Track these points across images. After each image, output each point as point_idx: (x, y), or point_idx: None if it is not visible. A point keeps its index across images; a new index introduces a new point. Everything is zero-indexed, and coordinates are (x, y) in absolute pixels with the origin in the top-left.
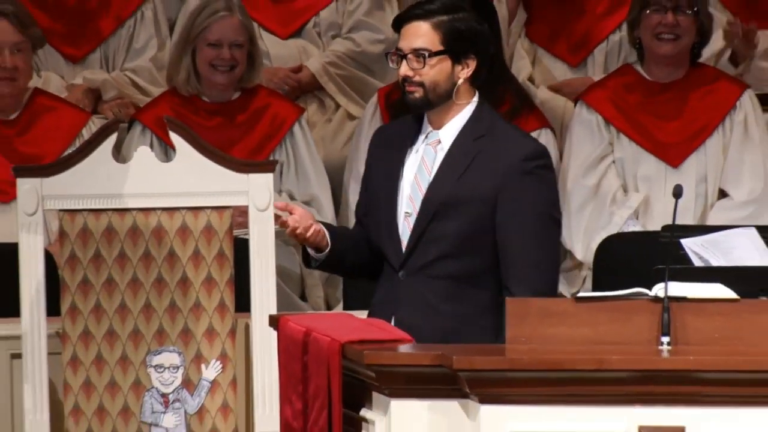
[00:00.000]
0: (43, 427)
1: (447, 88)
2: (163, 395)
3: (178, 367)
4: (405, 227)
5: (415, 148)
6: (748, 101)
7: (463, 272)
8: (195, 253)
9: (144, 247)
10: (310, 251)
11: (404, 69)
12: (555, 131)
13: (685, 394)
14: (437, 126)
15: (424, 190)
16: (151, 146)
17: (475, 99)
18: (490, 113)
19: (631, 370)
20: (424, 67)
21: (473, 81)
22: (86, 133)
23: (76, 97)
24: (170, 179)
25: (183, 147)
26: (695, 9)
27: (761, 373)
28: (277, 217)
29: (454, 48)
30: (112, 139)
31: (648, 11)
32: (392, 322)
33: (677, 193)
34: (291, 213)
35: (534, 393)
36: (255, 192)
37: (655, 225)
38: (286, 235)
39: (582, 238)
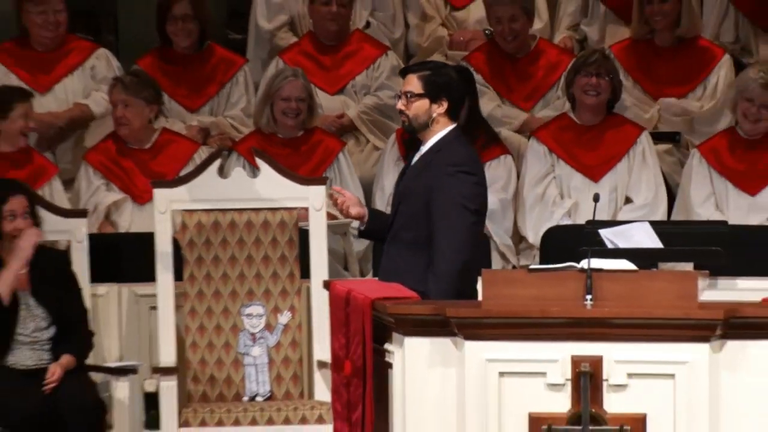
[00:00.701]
0: (171, 357)
1: (425, 119)
2: (252, 334)
3: (261, 316)
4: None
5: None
6: (644, 139)
7: (412, 240)
8: (273, 239)
9: (239, 235)
10: (355, 224)
11: (399, 104)
12: (513, 157)
13: (602, 334)
14: (423, 144)
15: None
16: (243, 167)
17: (450, 128)
18: (456, 137)
19: (565, 317)
20: (409, 104)
21: (451, 115)
22: (197, 158)
23: (192, 134)
24: (256, 189)
25: (265, 168)
26: (611, 76)
27: (652, 319)
28: (332, 196)
29: (430, 92)
30: (217, 162)
31: (579, 75)
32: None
33: (596, 199)
34: (342, 194)
35: (501, 333)
36: (312, 198)
37: (581, 220)
38: (334, 227)
39: (533, 228)
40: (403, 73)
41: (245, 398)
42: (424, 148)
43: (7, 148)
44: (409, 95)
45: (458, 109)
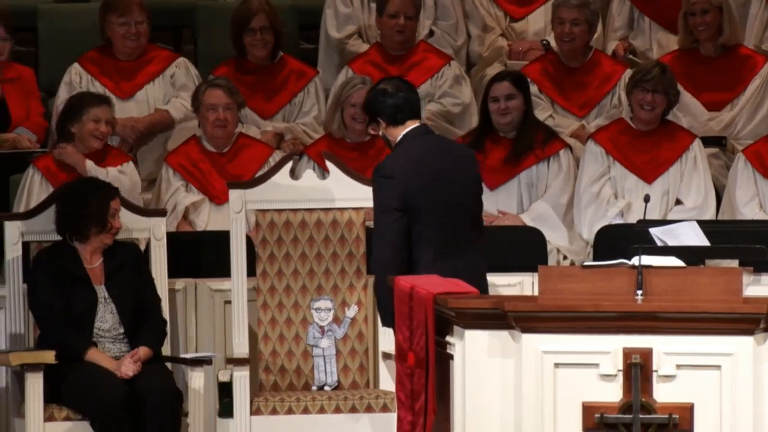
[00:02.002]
0: (244, 348)
1: (386, 139)
2: (321, 327)
3: (330, 309)
4: None
5: None
6: (696, 146)
7: None
8: (341, 237)
9: (309, 233)
10: None
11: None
12: (572, 149)
13: (652, 327)
14: None
15: None
16: (314, 170)
17: (401, 134)
18: (400, 141)
19: (617, 311)
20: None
21: (396, 123)
22: (271, 161)
23: (267, 139)
24: (326, 190)
25: (334, 170)
26: (667, 91)
27: (699, 313)
28: None
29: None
30: (289, 165)
31: (637, 89)
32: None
33: (646, 199)
34: None
35: (556, 326)
36: None
37: (633, 220)
38: None
39: (587, 226)
40: None
41: (314, 388)
42: None
43: (82, 150)
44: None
45: (397, 113)
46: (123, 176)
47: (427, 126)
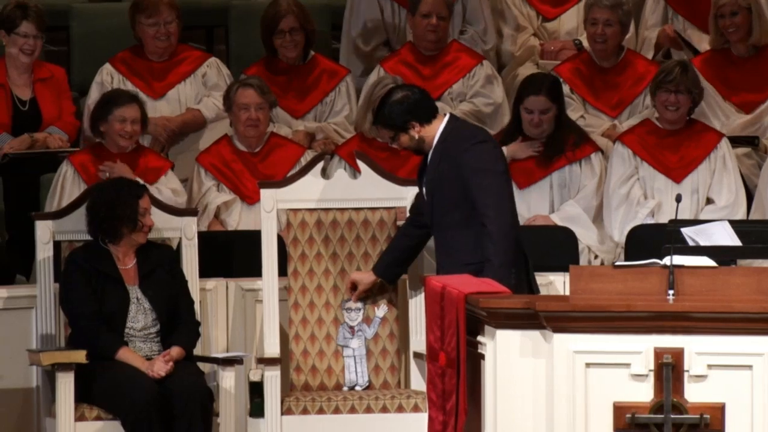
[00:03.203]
0: (275, 347)
1: (416, 143)
2: (351, 327)
3: (360, 309)
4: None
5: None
6: (724, 144)
7: (458, 221)
8: (372, 236)
9: (340, 233)
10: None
11: (395, 146)
12: (603, 153)
13: (683, 327)
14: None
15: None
16: (345, 169)
17: (442, 123)
18: (452, 125)
19: (648, 311)
20: (399, 144)
21: (429, 119)
22: (303, 161)
23: (298, 138)
24: (357, 190)
25: (366, 170)
26: (690, 90)
27: (731, 313)
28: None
29: (398, 128)
30: (320, 164)
31: (660, 90)
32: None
33: (678, 199)
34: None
35: (588, 326)
36: (410, 198)
37: (664, 220)
38: None
39: (618, 227)
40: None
41: (345, 388)
42: (432, 148)
43: (113, 149)
44: (391, 141)
45: (428, 110)
46: (172, 191)
47: (453, 113)
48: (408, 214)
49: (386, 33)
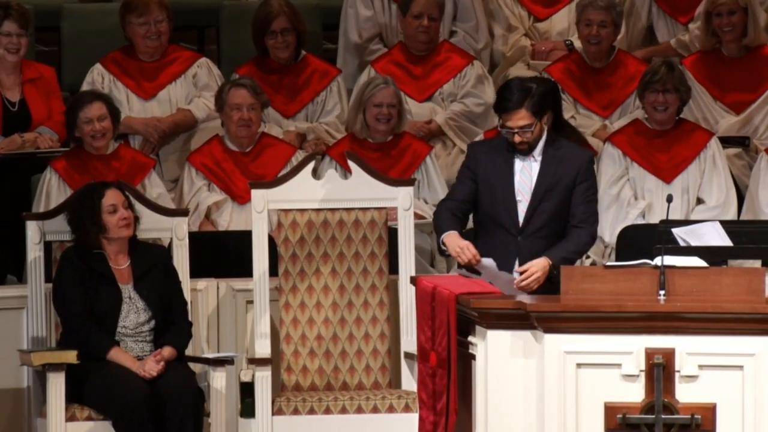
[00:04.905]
0: (266, 348)
1: (540, 136)
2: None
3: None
4: (520, 208)
5: (516, 161)
6: (714, 144)
7: (551, 233)
8: (363, 237)
9: (331, 233)
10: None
11: (516, 139)
12: (596, 153)
13: (674, 327)
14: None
15: (532, 185)
16: (336, 170)
17: (545, 133)
18: (555, 136)
19: (639, 311)
20: (528, 135)
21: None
22: (294, 161)
23: (290, 139)
24: (348, 190)
25: (357, 170)
26: (678, 89)
27: (722, 314)
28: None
29: (539, 115)
30: (311, 165)
31: (647, 91)
32: (516, 266)
33: (669, 199)
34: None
35: (579, 326)
36: (401, 198)
37: (654, 220)
38: (422, 225)
39: (609, 228)
40: (511, 108)
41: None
42: (540, 147)
43: (92, 151)
44: (525, 129)
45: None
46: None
47: None
48: (448, 197)
49: (379, 27)
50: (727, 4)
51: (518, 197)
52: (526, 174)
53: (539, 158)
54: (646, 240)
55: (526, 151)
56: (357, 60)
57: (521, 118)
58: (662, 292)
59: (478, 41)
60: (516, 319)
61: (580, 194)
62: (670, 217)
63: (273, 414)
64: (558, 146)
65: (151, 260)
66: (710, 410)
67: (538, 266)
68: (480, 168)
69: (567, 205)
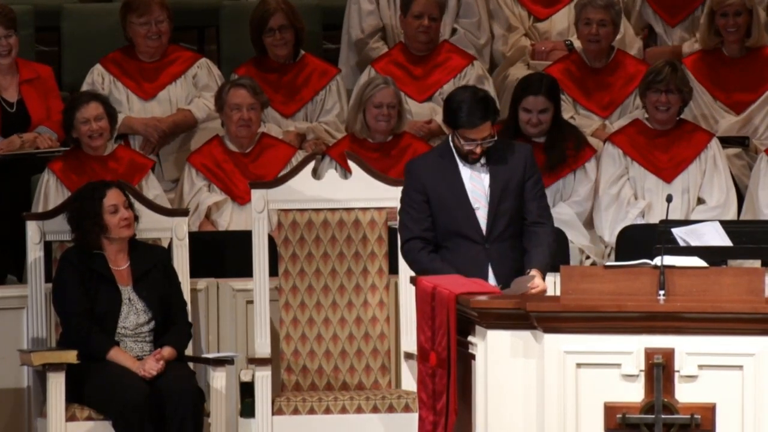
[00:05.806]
0: (266, 348)
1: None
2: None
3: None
4: (479, 215)
5: (462, 169)
6: (714, 144)
7: (513, 234)
8: (363, 237)
9: (331, 233)
10: None
11: (477, 150)
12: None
13: (674, 327)
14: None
15: (485, 190)
16: (336, 170)
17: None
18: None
19: (639, 311)
20: (486, 146)
21: None
22: (294, 161)
23: (289, 138)
24: (348, 190)
25: (357, 170)
26: (680, 89)
27: (721, 314)
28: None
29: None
30: (311, 165)
31: (650, 91)
32: (489, 274)
33: (669, 199)
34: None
35: (578, 326)
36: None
37: (654, 220)
38: None
39: (608, 227)
40: (479, 123)
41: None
42: (486, 154)
43: (90, 152)
44: (488, 140)
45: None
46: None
47: None
48: (413, 235)
49: (382, 22)
50: (734, 5)
51: (475, 205)
52: (476, 180)
53: (484, 162)
54: (646, 240)
55: (477, 158)
56: (357, 57)
57: (485, 129)
58: (662, 292)
59: (479, 37)
60: (516, 319)
61: (530, 189)
62: (670, 217)
63: (273, 414)
64: (496, 146)
65: (151, 261)
66: (710, 410)
67: (538, 281)
68: (428, 183)
69: (522, 202)
